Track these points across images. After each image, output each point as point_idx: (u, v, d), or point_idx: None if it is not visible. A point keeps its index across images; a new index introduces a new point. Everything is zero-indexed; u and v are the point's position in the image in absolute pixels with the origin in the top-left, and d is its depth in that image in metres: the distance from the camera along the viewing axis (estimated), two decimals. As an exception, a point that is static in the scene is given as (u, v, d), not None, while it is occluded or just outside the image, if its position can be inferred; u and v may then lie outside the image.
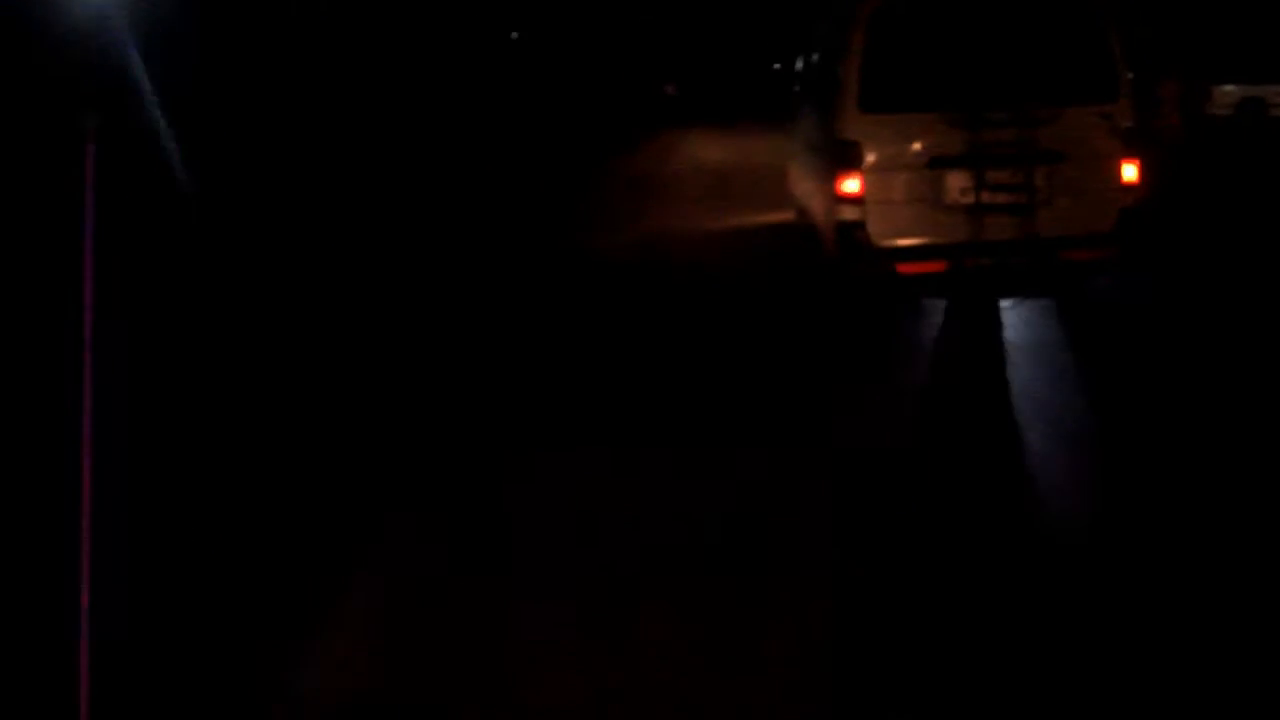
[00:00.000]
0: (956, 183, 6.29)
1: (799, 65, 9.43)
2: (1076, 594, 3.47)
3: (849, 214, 6.38)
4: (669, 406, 5.48)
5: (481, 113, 22.17)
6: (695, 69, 40.02)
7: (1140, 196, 6.50)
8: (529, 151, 18.54)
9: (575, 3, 31.91)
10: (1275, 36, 23.52)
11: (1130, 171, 6.39)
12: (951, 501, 4.21)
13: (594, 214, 12.31)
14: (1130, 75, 6.48)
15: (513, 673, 3.13)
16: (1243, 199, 11.71)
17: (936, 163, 6.29)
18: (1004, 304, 6.85)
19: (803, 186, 8.33)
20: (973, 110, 6.20)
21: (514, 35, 29.51)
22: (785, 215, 9.72)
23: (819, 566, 3.71)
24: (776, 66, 31.67)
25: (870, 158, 6.32)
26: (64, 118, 2.90)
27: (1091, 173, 6.32)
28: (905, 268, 6.39)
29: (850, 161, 6.34)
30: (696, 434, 5.07)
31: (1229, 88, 24.19)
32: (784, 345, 6.55)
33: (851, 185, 6.35)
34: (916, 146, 6.32)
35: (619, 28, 35.87)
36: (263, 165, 11.48)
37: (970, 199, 6.27)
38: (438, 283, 8.54)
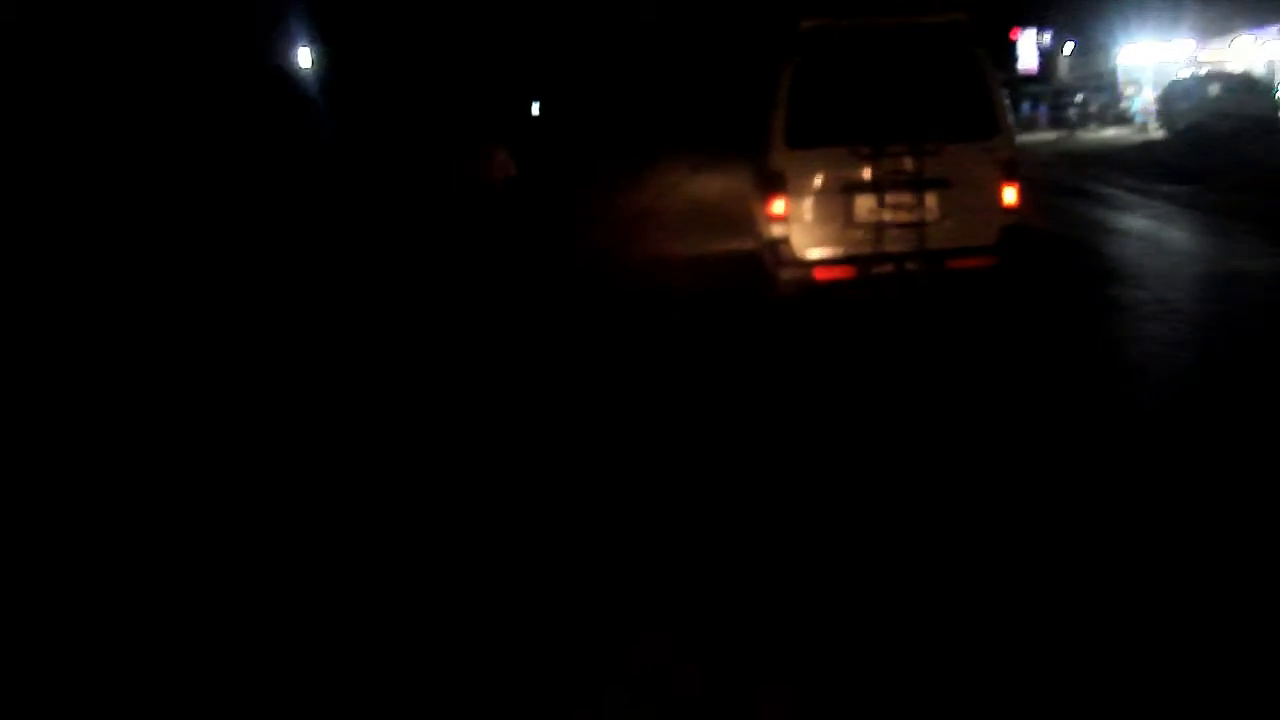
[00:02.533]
0: (864, 204, 7.70)
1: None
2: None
3: (777, 231, 7.80)
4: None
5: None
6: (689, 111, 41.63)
7: (1019, 216, 7.89)
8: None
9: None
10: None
11: (1010, 195, 7.78)
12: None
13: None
14: (1010, 116, 7.86)
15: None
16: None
17: (848, 188, 7.71)
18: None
19: (750, 210, 9.75)
20: (876, 146, 7.62)
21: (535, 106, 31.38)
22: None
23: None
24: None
25: (793, 184, 7.74)
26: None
27: (975, 196, 7.72)
28: (822, 274, 7.80)
29: (778, 187, 7.77)
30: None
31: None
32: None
33: (778, 207, 7.77)
34: (831, 175, 7.73)
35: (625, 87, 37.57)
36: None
37: (875, 218, 7.68)
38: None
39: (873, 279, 7.79)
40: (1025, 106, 36.96)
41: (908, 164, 7.63)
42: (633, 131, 33.68)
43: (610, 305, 9.98)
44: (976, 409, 6.13)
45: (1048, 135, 35.19)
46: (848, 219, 7.74)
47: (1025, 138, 26.94)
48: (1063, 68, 47.80)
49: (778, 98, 7.85)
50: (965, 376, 6.82)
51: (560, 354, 8.21)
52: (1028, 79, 43.40)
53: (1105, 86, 39.54)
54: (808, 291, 7.93)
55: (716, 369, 7.37)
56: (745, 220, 10.36)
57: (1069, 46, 47.81)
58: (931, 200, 7.70)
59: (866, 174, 7.66)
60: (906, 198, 7.66)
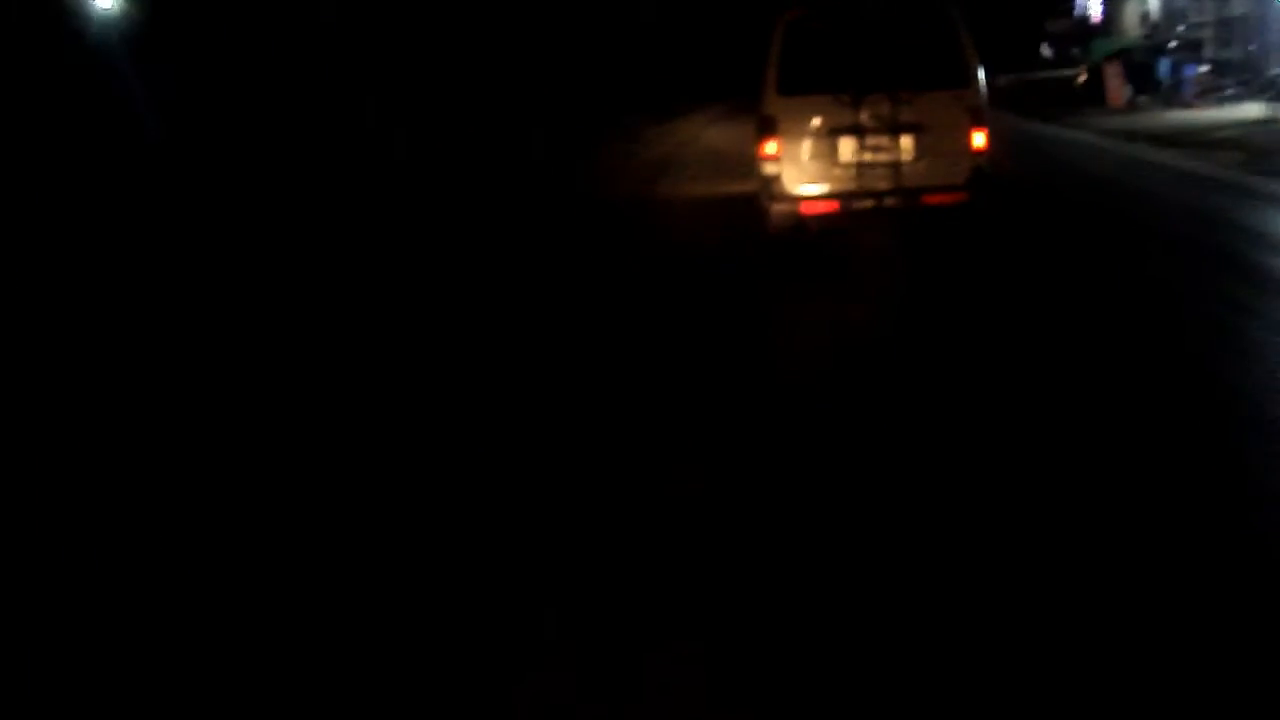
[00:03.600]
0: (847, 146, 8.66)
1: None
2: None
3: (770, 169, 8.78)
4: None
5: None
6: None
7: (989, 157, 8.82)
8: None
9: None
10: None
11: (979, 139, 8.71)
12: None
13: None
14: (979, 67, 8.78)
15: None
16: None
17: (833, 132, 8.67)
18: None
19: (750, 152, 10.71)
20: (858, 94, 8.57)
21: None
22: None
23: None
24: None
25: (784, 128, 8.71)
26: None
27: (947, 139, 8.65)
28: (809, 208, 8.79)
29: (771, 130, 8.74)
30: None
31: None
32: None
33: (771, 148, 8.75)
34: (818, 120, 8.69)
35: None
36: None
37: (857, 158, 8.65)
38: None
39: (854, 212, 8.77)
40: (1163, 68, 23.89)
41: (886, 110, 8.58)
42: (651, 86, 34.39)
43: (639, 247, 11.05)
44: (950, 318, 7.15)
45: (1246, 110, 20.30)
46: (832, 159, 8.70)
47: (1189, 115, 20.25)
48: (1155, 14, 35.62)
49: (772, 51, 8.80)
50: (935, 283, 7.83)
51: (589, 279, 9.30)
52: (1091, 30, 33.73)
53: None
54: (797, 223, 8.91)
55: (719, 287, 8.46)
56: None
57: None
58: (907, 142, 8.64)
59: (849, 119, 8.61)
60: (884, 140, 8.62)
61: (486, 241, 11.54)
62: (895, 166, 8.63)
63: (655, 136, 24.05)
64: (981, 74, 8.79)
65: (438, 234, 12.10)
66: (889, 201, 8.71)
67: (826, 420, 5.33)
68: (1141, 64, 24.78)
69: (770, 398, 5.78)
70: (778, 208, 8.87)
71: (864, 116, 8.59)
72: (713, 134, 23.45)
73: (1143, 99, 23.89)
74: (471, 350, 7.18)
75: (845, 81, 8.60)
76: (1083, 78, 26.88)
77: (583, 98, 27.65)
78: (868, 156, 8.64)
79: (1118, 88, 24.04)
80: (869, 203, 8.73)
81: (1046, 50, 43.91)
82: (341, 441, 5.46)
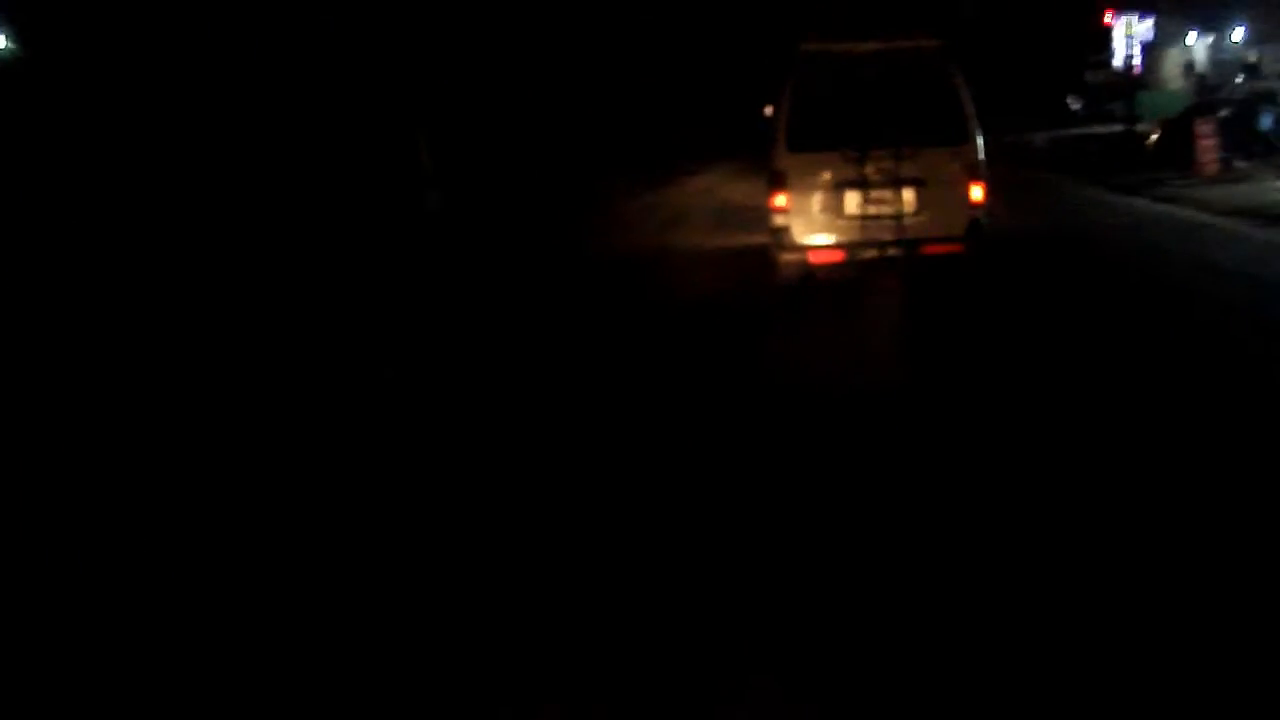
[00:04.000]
0: (852, 199, 9.20)
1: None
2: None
3: (780, 220, 9.32)
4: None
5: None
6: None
7: (985, 210, 9.34)
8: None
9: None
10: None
11: (976, 193, 9.23)
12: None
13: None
14: (977, 126, 9.31)
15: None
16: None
17: (839, 186, 9.21)
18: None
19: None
20: (863, 150, 9.12)
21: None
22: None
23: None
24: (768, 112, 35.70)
25: (793, 182, 9.25)
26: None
27: (947, 193, 9.18)
28: (816, 257, 9.30)
29: (781, 184, 9.28)
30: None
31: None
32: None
33: (781, 200, 9.28)
34: (825, 175, 9.23)
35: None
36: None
37: (861, 210, 9.18)
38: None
39: (859, 262, 9.28)
40: (1264, 121, 20.06)
41: (889, 165, 9.11)
42: (660, 139, 35.10)
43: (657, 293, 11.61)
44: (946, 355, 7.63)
45: None
46: (838, 211, 9.23)
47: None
48: (1201, 65, 35.33)
49: (780, 109, 9.37)
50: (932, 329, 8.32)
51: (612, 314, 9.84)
52: (1133, 82, 28.87)
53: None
54: (806, 272, 9.43)
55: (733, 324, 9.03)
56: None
57: (1193, 36, 35.76)
58: (909, 196, 9.17)
59: (854, 173, 9.15)
60: (888, 194, 9.15)
61: (523, 291, 12.06)
62: (897, 218, 9.15)
63: (671, 192, 24.65)
64: (979, 133, 9.32)
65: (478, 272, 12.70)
66: (891, 251, 9.23)
67: (823, 434, 5.82)
68: (1235, 119, 20.19)
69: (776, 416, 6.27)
70: (787, 257, 9.39)
71: (868, 171, 9.12)
72: (728, 191, 24.06)
73: (1241, 163, 19.29)
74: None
75: (851, 138, 9.14)
76: (1154, 135, 22.56)
77: (597, 155, 28.44)
78: (872, 209, 9.17)
79: (1210, 148, 19.04)
80: (873, 252, 9.25)
81: (1075, 103, 42.11)
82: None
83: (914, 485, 5.11)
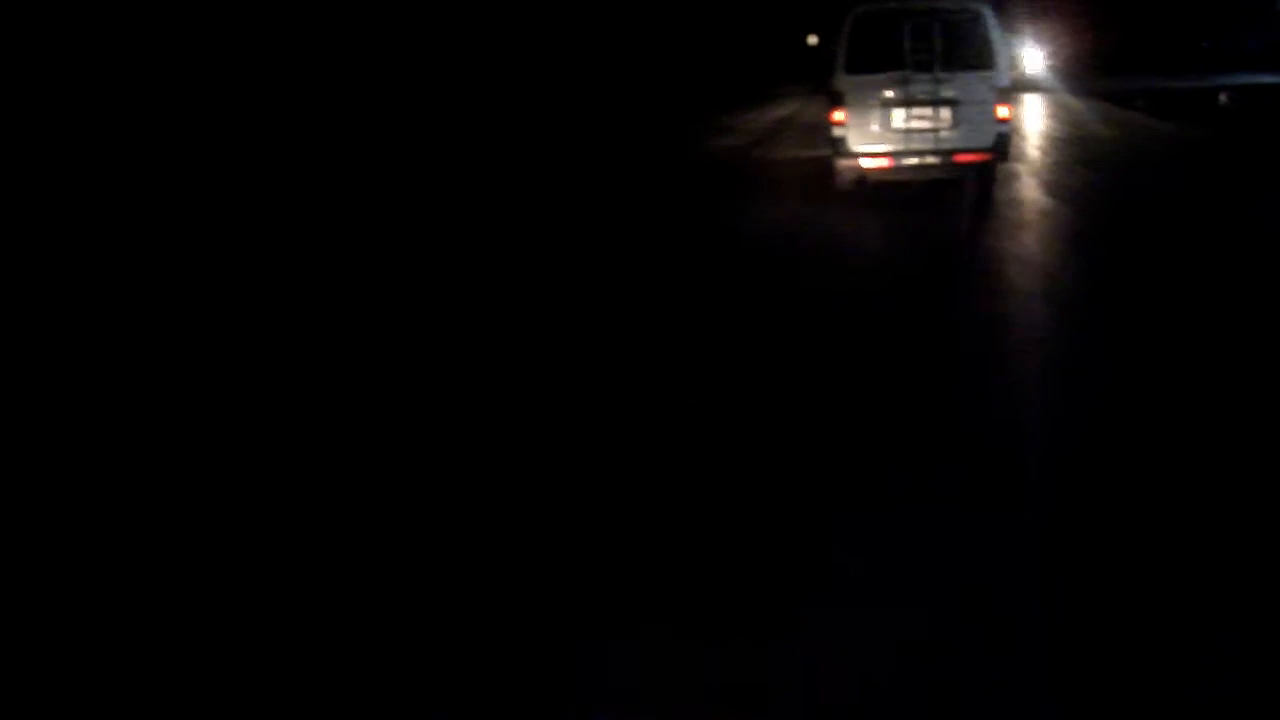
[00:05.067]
0: (898, 115, 11.20)
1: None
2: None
3: (838, 132, 11.36)
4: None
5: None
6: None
7: (1010, 125, 11.27)
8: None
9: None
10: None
11: (1003, 111, 11.17)
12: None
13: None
14: (1007, 57, 11.20)
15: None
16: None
17: (886, 104, 11.21)
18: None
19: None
20: (908, 74, 11.10)
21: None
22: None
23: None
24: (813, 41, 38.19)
25: (850, 100, 11.27)
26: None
27: (977, 111, 11.13)
28: (867, 163, 11.36)
29: (839, 102, 11.31)
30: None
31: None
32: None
33: (839, 116, 11.32)
34: (876, 94, 11.23)
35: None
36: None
37: (906, 125, 11.18)
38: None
39: (902, 167, 11.32)
40: None
41: (929, 87, 11.09)
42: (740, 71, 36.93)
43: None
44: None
45: None
46: (887, 125, 11.25)
47: None
48: None
49: (841, 39, 11.38)
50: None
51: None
52: None
53: None
54: (858, 173, 11.51)
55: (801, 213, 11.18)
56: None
57: None
58: (945, 113, 11.14)
59: (901, 93, 11.15)
60: (928, 111, 11.14)
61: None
62: (936, 132, 11.15)
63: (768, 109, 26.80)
64: (1007, 59, 11.22)
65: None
66: (930, 159, 11.24)
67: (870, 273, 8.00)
68: None
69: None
70: (843, 163, 11.47)
71: (912, 92, 11.11)
72: (811, 110, 25.95)
73: None
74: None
75: (898, 64, 11.13)
76: None
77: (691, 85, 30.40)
78: (915, 124, 11.17)
79: None
80: (914, 160, 11.27)
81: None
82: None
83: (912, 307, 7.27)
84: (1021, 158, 14.96)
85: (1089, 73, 26.68)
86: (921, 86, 11.12)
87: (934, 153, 11.22)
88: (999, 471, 4.43)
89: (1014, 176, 13.08)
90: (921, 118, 11.18)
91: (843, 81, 11.31)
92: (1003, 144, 11.20)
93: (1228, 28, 38.99)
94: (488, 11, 22.79)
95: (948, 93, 11.09)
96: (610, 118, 23.07)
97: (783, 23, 44.46)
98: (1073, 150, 16.71)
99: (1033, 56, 21.51)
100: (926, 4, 11.23)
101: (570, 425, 5.33)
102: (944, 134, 11.16)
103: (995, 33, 11.21)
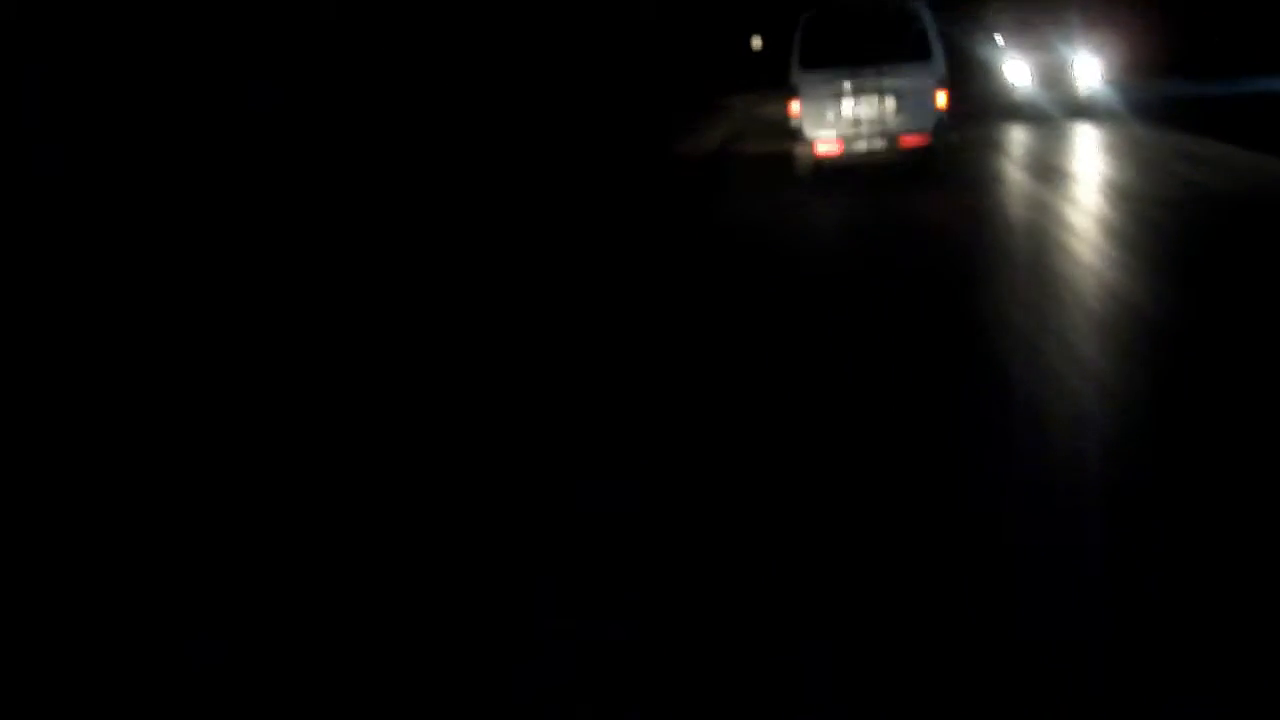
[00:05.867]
0: (847, 104, 12.53)
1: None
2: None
3: (795, 122, 12.67)
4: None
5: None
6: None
7: (948, 111, 12.63)
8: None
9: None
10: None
11: (941, 99, 12.53)
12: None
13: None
14: (941, 48, 12.57)
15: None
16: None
17: (837, 95, 12.53)
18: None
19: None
20: (855, 69, 12.43)
21: None
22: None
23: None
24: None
25: (804, 92, 12.59)
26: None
27: (919, 99, 12.48)
28: (822, 147, 12.68)
29: (795, 94, 12.63)
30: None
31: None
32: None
33: (796, 107, 12.64)
34: (828, 86, 12.55)
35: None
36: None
37: (854, 113, 12.52)
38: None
39: (852, 151, 12.66)
40: None
41: (874, 79, 12.44)
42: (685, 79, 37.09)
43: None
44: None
45: None
46: (838, 114, 12.57)
47: None
48: None
49: (796, 39, 12.71)
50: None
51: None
52: None
53: None
54: (812, 157, 12.82)
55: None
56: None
57: None
58: (889, 101, 12.49)
59: (848, 85, 12.48)
60: (873, 100, 12.48)
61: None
62: (881, 119, 12.49)
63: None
64: (942, 53, 12.60)
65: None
66: (877, 143, 12.58)
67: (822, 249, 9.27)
68: None
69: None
70: (800, 149, 12.79)
71: (859, 83, 12.45)
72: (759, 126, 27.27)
73: None
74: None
75: (847, 59, 12.47)
76: None
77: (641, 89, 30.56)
78: (862, 112, 12.51)
79: None
80: (864, 144, 12.60)
81: None
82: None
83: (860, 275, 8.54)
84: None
85: (1150, 83, 21.98)
86: (867, 79, 12.44)
87: (880, 136, 12.56)
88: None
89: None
90: (868, 106, 12.51)
91: (798, 77, 12.62)
92: (941, 127, 12.56)
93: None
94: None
95: (890, 83, 12.43)
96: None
97: (724, 25, 43.32)
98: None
99: (1087, 69, 20.47)
100: (870, 7, 12.59)
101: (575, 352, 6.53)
102: (889, 120, 12.50)
103: (932, 30, 12.56)
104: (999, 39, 22.08)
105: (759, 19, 43.81)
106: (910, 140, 12.56)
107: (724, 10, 42.80)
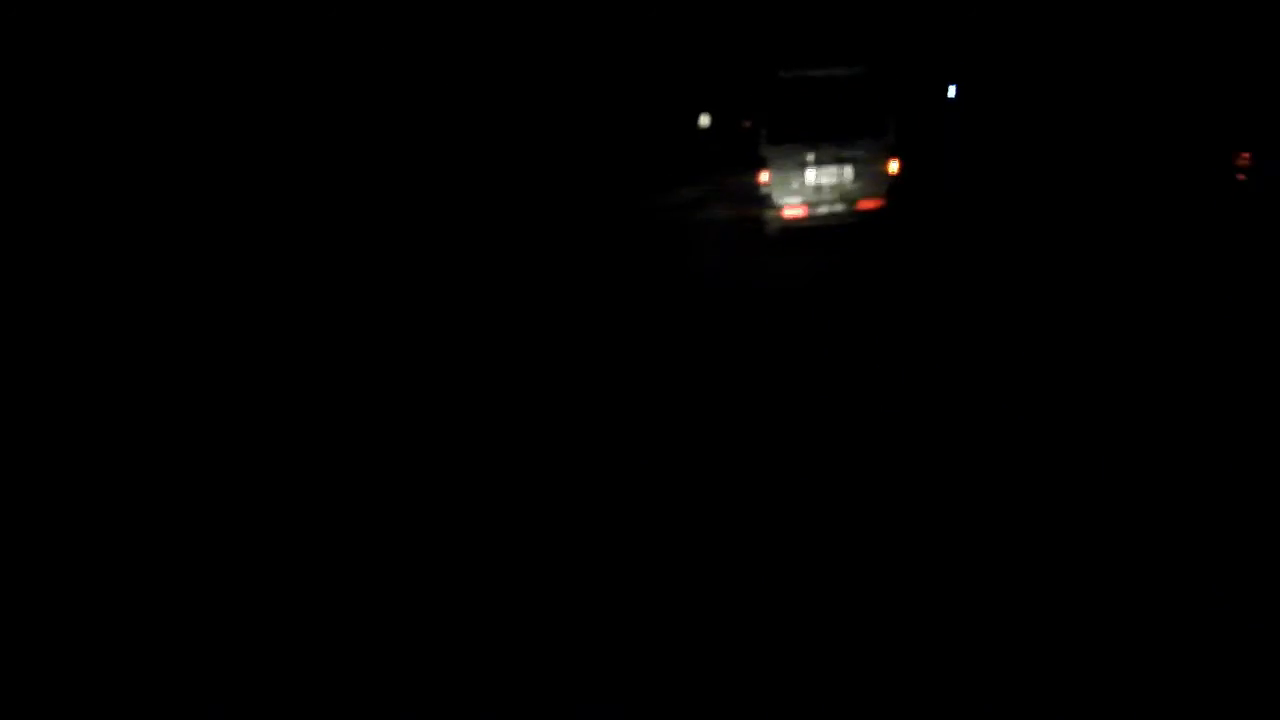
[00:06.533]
0: (810, 173, 14.08)
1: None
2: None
3: (764, 190, 14.20)
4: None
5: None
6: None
7: (899, 178, 14.20)
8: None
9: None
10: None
11: (893, 166, 14.11)
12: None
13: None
14: (894, 123, 14.17)
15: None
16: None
17: (802, 165, 14.08)
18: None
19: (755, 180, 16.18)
20: (817, 142, 14.00)
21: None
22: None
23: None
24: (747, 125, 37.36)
25: (772, 164, 14.13)
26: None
27: (874, 168, 14.06)
28: (787, 212, 14.19)
29: (765, 165, 14.16)
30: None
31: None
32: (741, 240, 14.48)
33: (765, 177, 14.17)
34: (793, 158, 14.10)
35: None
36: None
37: (816, 181, 14.06)
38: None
39: (816, 215, 14.18)
40: None
41: (834, 151, 14.01)
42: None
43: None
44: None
45: None
46: (802, 182, 14.11)
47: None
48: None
49: (764, 116, 14.28)
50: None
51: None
52: None
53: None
54: (780, 222, 14.33)
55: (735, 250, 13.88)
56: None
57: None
58: (848, 170, 14.05)
59: (811, 157, 14.03)
60: (834, 169, 14.04)
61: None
62: (840, 185, 14.04)
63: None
64: (893, 124, 14.20)
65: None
66: (838, 207, 14.11)
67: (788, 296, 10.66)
68: None
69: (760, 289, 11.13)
70: (770, 214, 14.29)
71: (821, 155, 14.01)
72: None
73: None
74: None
75: (810, 134, 14.04)
76: None
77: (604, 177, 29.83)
78: (824, 180, 14.05)
79: None
80: (825, 209, 14.14)
81: None
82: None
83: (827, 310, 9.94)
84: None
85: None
86: (828, 151, 14.02)
87: (841, 201, 14.10)
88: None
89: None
90: (829, 175, 14.06)
91: (767, 150, 14.18)
92: (895, 192, 14.12)
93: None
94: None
95: (848, 154, 14.01)
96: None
97: (666, 104, 40.69)
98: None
99: None
100: (830, 83, 14.21)
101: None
102: (848, 187, 14.06)
103: (884, 103, 14.18)
104: None
105: (705, 96, 42.73)
106: (867, 204, 14.10)
107: (666, 87, 40.68)
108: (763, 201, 14.27)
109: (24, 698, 3.31)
